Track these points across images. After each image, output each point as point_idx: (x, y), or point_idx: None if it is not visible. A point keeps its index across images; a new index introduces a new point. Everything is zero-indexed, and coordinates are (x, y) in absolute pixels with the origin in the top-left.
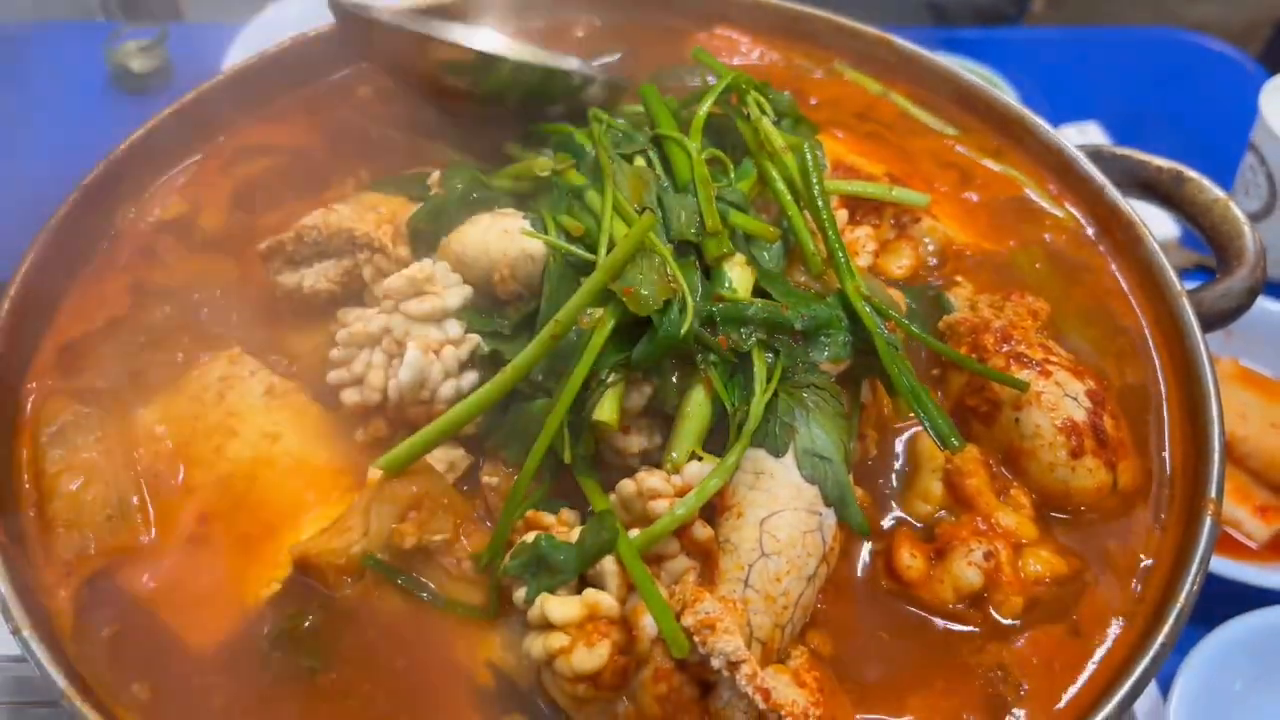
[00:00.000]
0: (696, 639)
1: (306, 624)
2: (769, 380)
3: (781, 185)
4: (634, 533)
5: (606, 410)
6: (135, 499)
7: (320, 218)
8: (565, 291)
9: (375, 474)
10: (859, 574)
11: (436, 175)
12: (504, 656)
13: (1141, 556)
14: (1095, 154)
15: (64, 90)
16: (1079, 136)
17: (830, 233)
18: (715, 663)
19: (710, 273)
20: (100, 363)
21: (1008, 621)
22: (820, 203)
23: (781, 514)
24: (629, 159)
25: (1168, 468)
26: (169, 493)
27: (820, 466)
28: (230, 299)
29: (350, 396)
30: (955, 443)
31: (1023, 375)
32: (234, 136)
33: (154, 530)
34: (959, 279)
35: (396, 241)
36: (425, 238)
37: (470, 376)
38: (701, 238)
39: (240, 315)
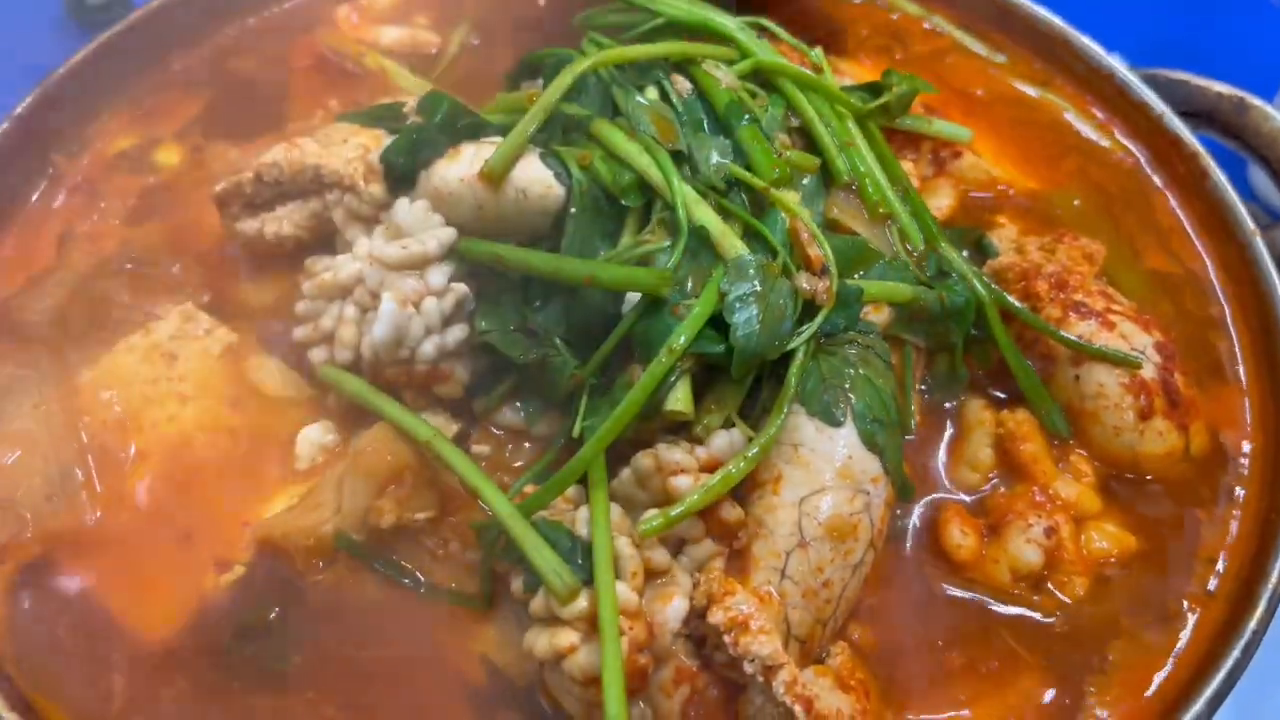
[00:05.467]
0: (728, 639)
1: (273, 614)
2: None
3: (837, 128)
4: (652, 514)
5: (681, 399)
6: (80, 473)
7: (282, 154)
8: (592, 235)
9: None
10: (901, 551)
11: (413, 102)
12: (499, 650)
13: (1223, 529)
14: (1150, 78)
15: (16, 21)
16: None
17: (911, 192)
18: (749, 668)
19: (758, 215)
20: (38, 319)
21: (1072, 603)
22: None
23: (824, 493)
24: (639, 90)
25: (1246, 429)
26: (117, 466)
27: (881, 434)
28: (184, 246)
29: (318, 355)
30: (1066, 431)
31: (1083, 327)
32: (190, 62)
33: (100, 509)
34: (1001, 219)
35: (369, 179)
36: (402, 173)
37: (455, 331)
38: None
39: (195, 264)
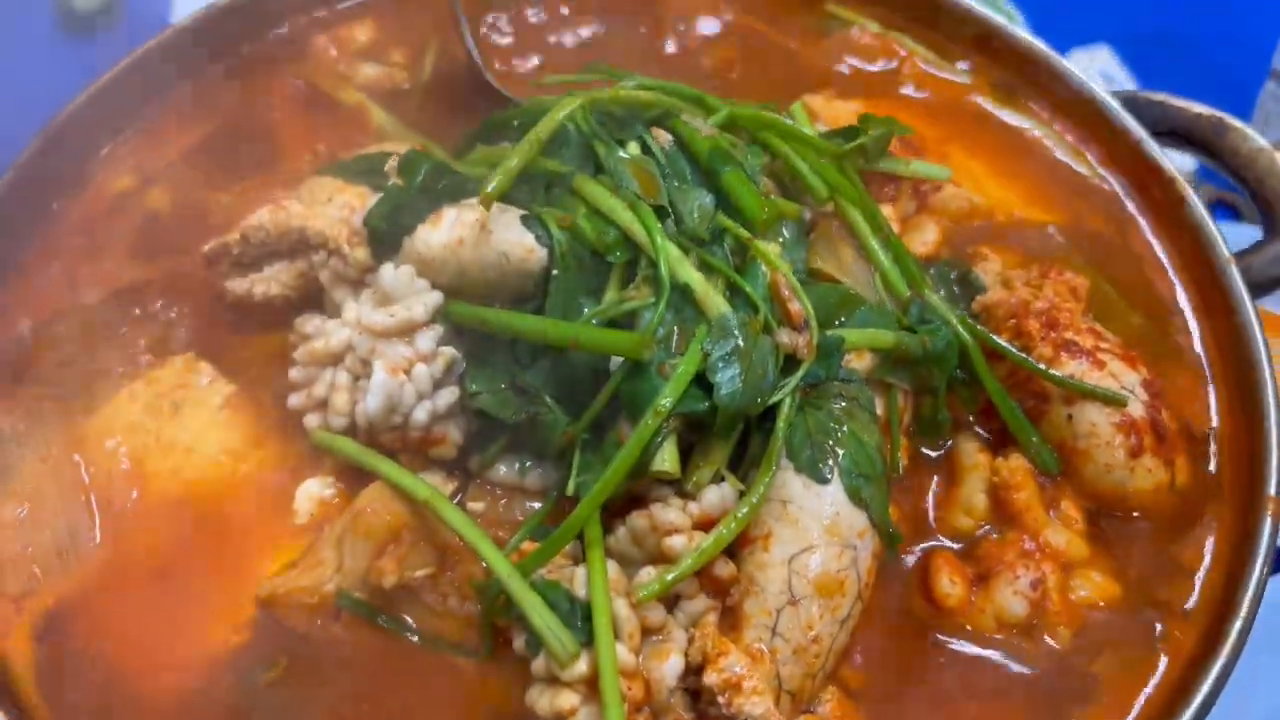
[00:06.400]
0: (722, 700)
1: (281, 670)
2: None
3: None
4: (648, 571)
5: (668, 460)
6: (88, 528)
7: (268, 217)
8: (576, 294)
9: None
10: (891, 593)
11: (394, 161)
12: (502, 698)
13: (1198, 563)
14: (1129, 100)
15: (5, 30)
16: (1089, 62)
17: (893, 238)
18: None
19: (741, 268)
20: (42, 368)
21: (1056, 647)
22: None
23: (812, 552)
24: (620, 144)
25: (1212, 460)
26: (124, 519)
27: (866, 489)
28: (182, 293)
29: (312, 421)
30: (1055, 469)
31: (1073, 366)
32: (182, 102)
33: (109, 565)
34: (985, 250)
35: (354, 242)
36: (386, 237)
37: (445, 394)
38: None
39: (193, 312)
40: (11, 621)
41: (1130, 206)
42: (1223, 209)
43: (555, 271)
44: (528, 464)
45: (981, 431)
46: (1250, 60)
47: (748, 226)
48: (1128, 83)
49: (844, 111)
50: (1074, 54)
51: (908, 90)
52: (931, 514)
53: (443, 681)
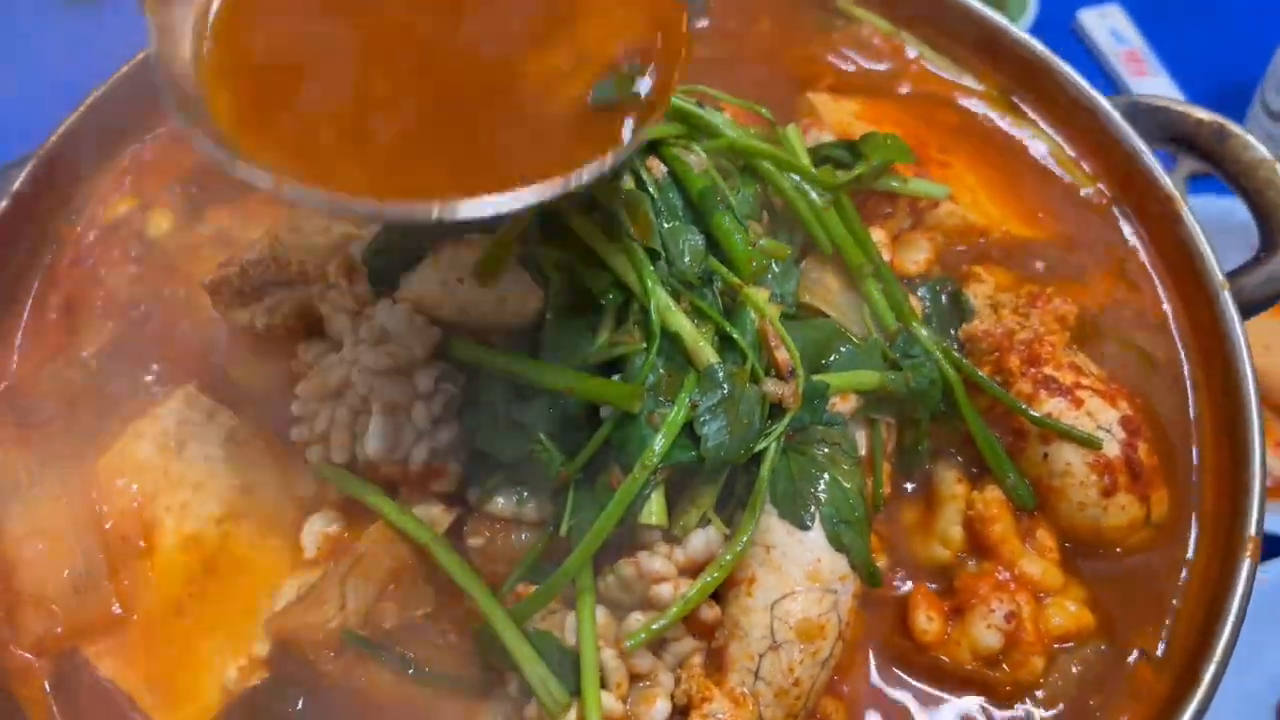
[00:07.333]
0: None
1: (296, 704)
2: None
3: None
4: (636, 617)
5: (656, 513)
6: (103, 565)
7: (265, 250)
8: (570, 334)
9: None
10: (871, 626)
11: None
12: None
13: (1173, 601)
14: (1129, 106)
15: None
16: (1100, 21)
17: (883, 268)
18: None
19: (731, 310)
20: (52, 403)
21: (1028, 680)
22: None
23: (794, 597)
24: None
25: (1194, 494)
26: (137, 557)
27: (847, 534)
28: (183, 323)
29: (315, 455)
30: (1031, 504)
31: (1052, 404)
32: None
33: (125, 602)
34: (978, 269)
35: (353, 278)
36: (384, 272)
37: (445, 433)
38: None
39: (194, 342)
40: (32, 661)
41: (1125, 224)
42: (1212, 180)
43: (549, 316)
44: (525, 494)
45: (961, 460)
46: (1264, 19)
47: (737, 272)
48: (1139, 42)
49: (848, 112)
50: (1084, 13)
51: (911, 92)
52: (909, 543)
53: (448, 713)
